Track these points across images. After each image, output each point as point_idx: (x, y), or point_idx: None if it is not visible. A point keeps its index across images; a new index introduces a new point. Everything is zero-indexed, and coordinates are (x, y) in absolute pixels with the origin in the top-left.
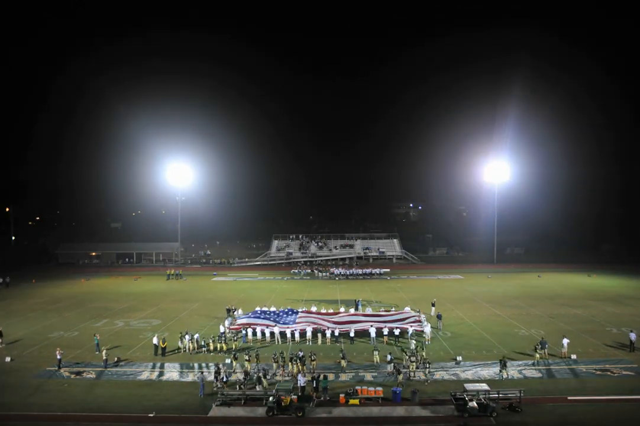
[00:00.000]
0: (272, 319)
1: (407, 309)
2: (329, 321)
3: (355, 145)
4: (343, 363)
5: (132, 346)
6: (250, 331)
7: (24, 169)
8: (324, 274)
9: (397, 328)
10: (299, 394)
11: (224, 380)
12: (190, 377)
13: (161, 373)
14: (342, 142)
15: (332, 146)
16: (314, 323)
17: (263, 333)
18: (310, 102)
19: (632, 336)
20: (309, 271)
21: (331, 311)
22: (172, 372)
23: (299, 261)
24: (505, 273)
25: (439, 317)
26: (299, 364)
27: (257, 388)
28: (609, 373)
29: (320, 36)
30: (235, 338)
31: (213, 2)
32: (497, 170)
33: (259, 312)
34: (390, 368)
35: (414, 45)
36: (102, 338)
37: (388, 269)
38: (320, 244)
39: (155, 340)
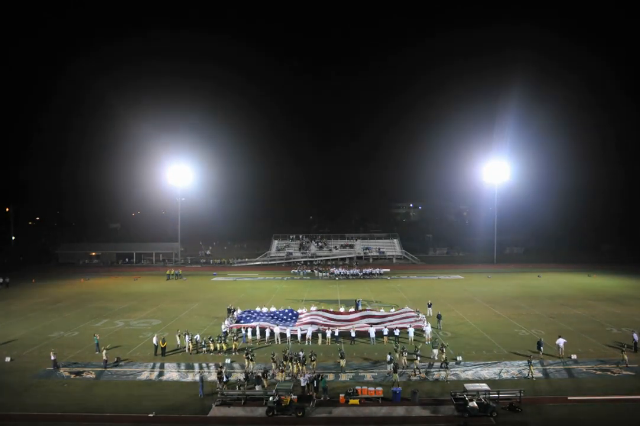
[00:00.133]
0: (269, 321)
1: (407, 308)
2: (336, 320)
3: (356, 145)
4: (342, 362)
5: (132, 346)
6: (250, 331)
7: (24, 170)
8: (324, 274)
9: (397, 328)
10: (306, 393)
11: (225, 380)
12: (190, 377)
13: (161, 373)
14: (342, 142)
15: (332, 145)
16: (318, 321)
17: (263, 333)
18: (310, 102)
19: (635, 336)
20: (309, 271)
21: (331, 310)
22: (172, 372)
23: (298, 261)
24: (505, 273)
25: (439, 317)
26: (299, 364)
27: (257, 388)
28: (609, 373)
29: (319, 36)
30: (235, 338)
31: (212, 2)
32: (497, 170)
33: (255, 313)
34: (390, 368)
35: (413, 43)
36: (102, 338)
37: (388, 269)
38: (320, 244)
39: (155, 340)
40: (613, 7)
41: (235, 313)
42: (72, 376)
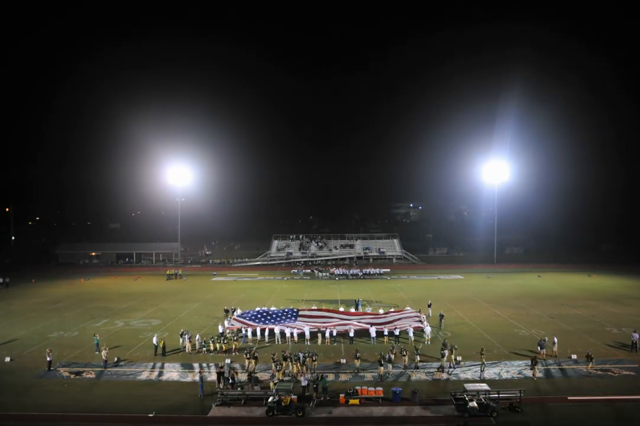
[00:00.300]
0: (270, 321)
1: (408, 309)
2: (335, 318)
3: (355, 145)
4: (357, 362)
5: (132, 346)
6: (250, 331)
7: (25, 170)
8: (324, 274)
9: (396, 328)
10: (305, 393)
11: (230, 381)
12: (190, 377)
13: (161, 373)
14: (342, 142)
15: (332, 145)
16: (318, 321)
17: (263, 333)
18: (309, 102)
19: (635, 336)
20: (309, 271)
21: (331, 310)
22: (172, 372)
23: (298, 261)
24: (505, 273)
25: (441, 317)
26: (299, 364)
27: (256, 388)
28: (609, 373)
29: (319, 36)
30: (235, 338)
31: (212, 2)
32: (497, 170)
33: (255, 313)
34: (389, 367)
35: (413, 43)
36: (102, 338)
37: (388, 269)
38: (320, 244)
39: (155, 340)
40: (613, 7)
41: (235, 313)
42: (72, 376)
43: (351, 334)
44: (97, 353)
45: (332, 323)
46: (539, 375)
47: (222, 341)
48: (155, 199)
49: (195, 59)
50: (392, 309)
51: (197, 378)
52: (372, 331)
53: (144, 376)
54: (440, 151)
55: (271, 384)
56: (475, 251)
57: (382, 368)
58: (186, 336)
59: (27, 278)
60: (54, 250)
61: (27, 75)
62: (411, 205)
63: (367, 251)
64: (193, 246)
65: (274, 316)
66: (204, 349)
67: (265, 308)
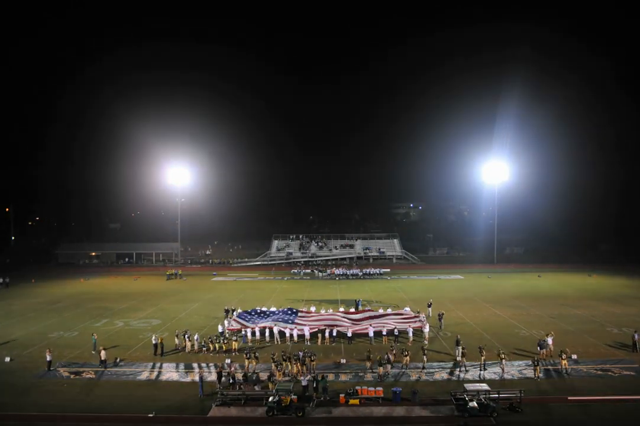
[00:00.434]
0: (269, 320)
1: (407, 309)
2: (341, 319)
3: (356, 145)
4: (368, 364)
5: (131, 346)
6: (249, 331)
7: (25, 170)
8: (324, 274)
9: (396, 328)
10: (305, 393)
11: (230, 381)
12: (190, 377)
13: (161, 373)
14: (342, 141)
15: (332, 145)
16: (320, 321)
17: (263, 333)
18: (309, 103)
19: (636, 336)
20: (309, 271)
21: (330, 311)
22: (171, 372)
23: (298, 261)
24: (505, 273)
25: (440, 316)
26: (298, 364)
27: (256, 388)
28: (609, 373)
29: (319, 36)
30: (235, 338)
31: (210, 4)
32: (496, 170)
33: (255, 312)
34: (389, 368)
35: (412, 43)
36: (102, 338)
37: (388, 269)
38: (320, 244)
39: (154, 340)
40: (613, 7)
41: (235, 313)
42: (72, 376)
43: (349, 334)
44: (93, 352)
45: (331, 325)
46: (539, 374)
47: (222, 341)
48: (155, 199)
49: (195, 59)
50: (390, 310)
51: (196, 378)
52: (371, 331)
53: (144, 376)
54: (440, 151)
55: (270, 384)
56: (475, 251)
57: (381, 368)
58: (186, 336)
59: (27, 278)
60: (54, 250)
61: (27, 75)
62: (411, 205)
63: (367, 251)
64: (193, 246)
65: (273, 315)
66: (204, 349)
67: (264, 308)
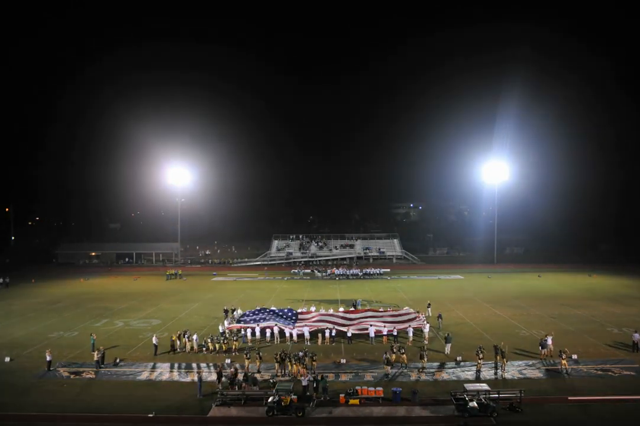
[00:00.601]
0: (271, 318)
1: (407, 308)
2: (340, 318)
3: (356, 145)
4: (388, 369)
5: (131, 346)
6: (249, 331)
7: (25, 170)
8: (323, 274)
9: (395, 328)
10: (306, 393)
11: (230, 381)
12: (189, 377)
13: (161, 373)
14: (342, 141)
15: (332, 145)
16: (318, 321)
17: (263, 333)
18: (309, 103)
19: (636, 336)
20: (309, 271)
21: (331, 311)
22: (171, 372)
23: (298, 261)
24: (505, 273)
25: (439, 317)
26: (298, 364)
27: (255, 388)
28: (609, 373)
29: (319, 36)
30: (235, 338)
31: (210, 4)
32: (496, 169)
33: (257, 311)
34: (388, 369)
35: (412, 43)
36: (102, 338)
37: (388, 269)
38: (320, 244)
39: (155, 340)
40: (613, 7)
41: (235, 313)
42: (72, 376)
43: (349, 334)
44: (92, 353)
45: (335, 324)
46: (538, 374)
47: (221, 341)
48: (155, 199)
49: (195, 59)
50: (390, 309)
51: (196, 378)
52: (371, 331)
53: (144, 376)
54: (440, 151)
55: (270, 384)
56: (475, 251)
57: (388, 367)
58: (186, 336)
59: (27, 278)
60: (54, 250)
61: (27, 75)
62: (411, 205)
63: (367, 251)
64: (193, 246)
65: (273, 315)
66: (204, 349)
67: (265, 308)
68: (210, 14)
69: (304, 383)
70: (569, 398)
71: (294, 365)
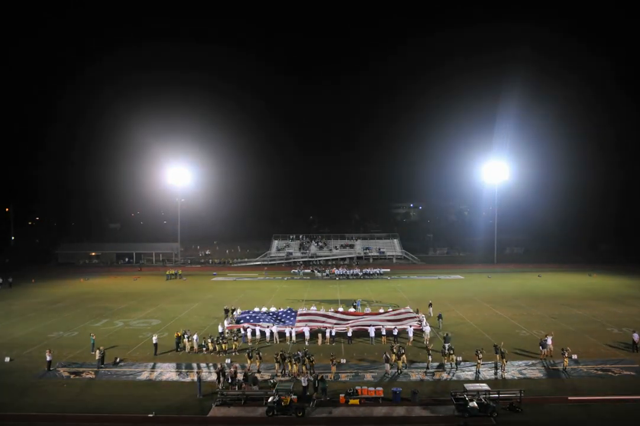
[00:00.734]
0: (269, 320)
1: (408, 308)
2: (334, 319)
3: (356, 145)
4: (400, 363)
5: (131, 346)
6: (249, 331)
7: (25, 170)
8: (323, 274)
9: (395, 328)
10: (306, 393)
11: (229, 381)
12: (190, 377)
13: (161, 373)
14: (342, 142)
15: (332, 145)
16: (316, 321)
17: (263, 333)
18: (309, 103)
19: (635, 336)
20: (309, 271)
21: (331, 310)
22: (171, 372)
23: (298, 261)
24: (506, 273)
25: (439, 317)
26: (298, 364)
27: (255, 387)
28: (609, 373)
29: (319, 36)
30: (235, 338)
31: (210, 5)
32: (497, 169)
33: (254, 313)
34: (388, 367)
35: (412, 43)
36: (102, 338)
37: (388, 269)
38: (320, 244)
39: (155, 340)
40: (613, 7)
41: (235, 312)
42: (72, 376)
43: (349, 334)
44: (92, 353)
45: (331, 324)
46: (538, 374)
47: (221, 341)
48: (155, 199)
49: (195, 59)
50: (391, 309)
51: (196, 378)
52: (371, 331)
53: (144, 376)
54: (440, 151)
55: (270, 384)
56: (476, 251)
57: (388, 366)
58: (186, 336)
59: (27, 278)
60: (54, 250)
61: (27, 75)
62: (411, 205)
63: (367, 251)
64: (193, 246)
65: (273, 316)
66: (204, 349)
67: (264, 309)
68: (210, 14)
69: (304, 383)
70: (569, 398)
71: (294, 365)
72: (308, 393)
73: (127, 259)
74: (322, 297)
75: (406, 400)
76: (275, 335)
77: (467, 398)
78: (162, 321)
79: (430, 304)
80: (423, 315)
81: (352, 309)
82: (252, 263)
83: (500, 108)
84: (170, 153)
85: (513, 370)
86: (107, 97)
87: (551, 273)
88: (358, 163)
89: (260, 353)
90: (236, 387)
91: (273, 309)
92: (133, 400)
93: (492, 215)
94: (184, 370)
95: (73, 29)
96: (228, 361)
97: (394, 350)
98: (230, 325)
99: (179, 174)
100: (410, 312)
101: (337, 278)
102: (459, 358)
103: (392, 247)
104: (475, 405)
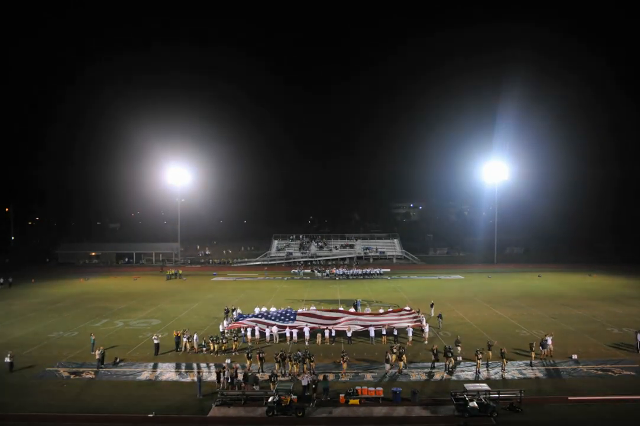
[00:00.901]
0: (270, 319)
1: (407, 308)
2: (333, 318)
3: (356, 145)
4: (400, 364)
5: (131, 346)
6: (249, 331)
7: (25, 170)
8: (323, 274)
9: (395, 327)
10: (305, 393)
11: (230, 381)
12: (190, 377)
13: (161, 373)
14: (342, 141)
15: (332, 145)
16: (316, 319)
17: (262, 333)
18: (310, 103)
19: (639, 336)
20: (309, 271)
21: (331, 309)
22: (171, 372)
23: (298, 261)
24: (506, 272)
25: (439, 317)
26: (298, 364)
27: (255, 388)
28: (609, 373)
29: (317, 36)
30: (235, 338)
31: (210, 5)
32: (497, 169)
33: (253, 315)
34: (388, 367)
35: (412, 43)
36: (102, 338)
37: (388, 269)
38: (320, 244)
39: (156, 340)
40: (613, 7)
41: (235, 312)
42: (72, 376)
43: (349, 334)
44: (92, 353)
45: (331, 323)
46: (538, 374)
47: (221, 341)
48: (155, 199)
49: (195, 60)
50: (391, 309)
51: (196, 378)
52: (371, 330)
53: (144, 376)
54: (440, 151)
55: (270, 384)
56: (476, 251)
57: (388, 366)
58: (185, 337)
59: (27, 278)
60: (54, 250)
61: (27, 75)
62: (411, 205)
63: (367, 251)
64: (193, 246)
65: (272, 317)
66: (204, 349)
67: (264, 309)
68: (210, 14)
69: (304, 383)
70: (569, 398)
71: (294, 365)
72: (308, 393)
73: (127, 259)
74: (322, 297)
75: (406, 400)
76: (275, 335)
77: (467, 398)
78: (162, 321)
79: (432, 305)
80: (423, 315)
81: (352, 310)
82: (252, 263)
83: (500, 108)
84: (170, 153)
85: (513, 370)
86: (107, 97)
87: (551, 273)
88: (358, 163)
89: (261, 354)
90: (236, 387)
91: (273, 309)
92: (133, 400)
93: (492, 215)
94: (184, 370)
95: (73, 29)
96: (228, 361)
97: (394, 350)
98: (229, 325)
99: (178, 174)
100: (410, 312)
101: (337, 278)
102: (459, 358)
103: (392, 247)
104: (475, 405)
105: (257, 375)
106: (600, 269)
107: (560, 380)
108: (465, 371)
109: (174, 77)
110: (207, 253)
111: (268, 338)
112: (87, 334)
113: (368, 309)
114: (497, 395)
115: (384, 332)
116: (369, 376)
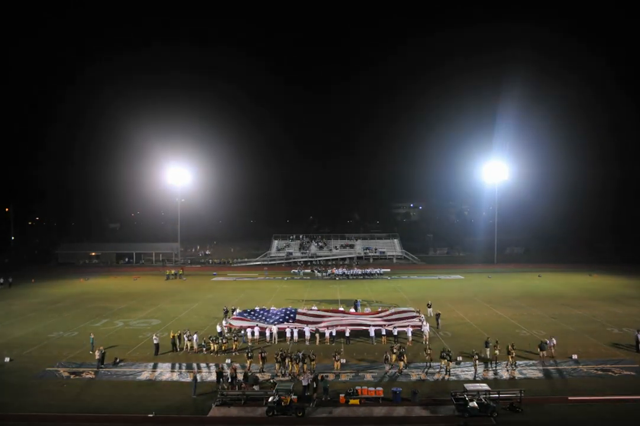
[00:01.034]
0: (266, 319)
1: (408, 308)
2: (332, 318)
3: (356, 145)
4: (401, 364)
5: (131, 346)
6: (249, 331)
7: (25, 170)
8: (323, 274)
9: (395, 328)
10: (305, 393)
11: (230, 381)
12: (190, 377)
13: (161, 373)
14: (342, 141)
15: (332, 145)
16: (305, 321)
17: (262, 333)
18: (309, 103)
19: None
20: (309, 271)
21: (331, 309)
22: (171, 372)
23: (298, 261)
24: (506, 272)
25: (437, 316)
26: (299, 364)
27: (255, 388)
28: (609, 373)
29: (317, 36)
30: (235, 338)
31: (210, 5)
32: (497, 169)
33: (254, 312)
34: (387, 367)
35: (412, 43)
36: (102, 338)
37: (388, 269)
38: (320, 244)
39: (156, 340)
40: (613, 7)
41: (234, 312)
42: (72, 376)
43: (347, 334)
44: (91, 352)
45: (331, 323)
46: (538, 374)
47: (221, 341)
48: (155, 199)
49: (194, 60)
50: (392, 309)
51: (191, 378)
52: (371, 330)
53: (144, 376)
54: (440, 151)
55: (270, 384)
56: (476, 251)
57: (388, 366)
58: (185, 337)
59: (27, 278)
60: (54, 250)
61: (27, 75)
62: (411, 205)
63: (367, 251)
64: (193, 246)
65: (272, 316)
66: (204, 349)
67: (264, 308)
68: (210, 14)
69: (304, 383)
70: (569, 398)
71: (294, 365)
72: (308, 393)
73: (127, 259)
74: (322, 297)
75: (406, 400)
76: (275, 335)
77: (467, 398)
78: (162, 321)
79: (429, 305)
80: (422, 316)
81: (352, 310)
82: (252, 263)
83: (500, 108)
84: (170, 153)
85: (513, 369)
86: (107, 97)
87: (551, 273)
88: (358, 163)
89: (263, 353)
90: (236, 387)
91: (273, 309)
92: (133, 400)
93: (492, 215)
94: (184, 370)
95: (73, 29)
96: (228, 361)
97: (394, 350)
98: (227, 324)
99: (178, 174)
100: (410, 311)
101: (337, 278)
102: (460, 358)
103: (392, 247)
104: (475, 405)
105: (258, 374)
106: (600, 269)
107: (560, 380)
108: (466, 372)
109: (174, 77)
110: (207, 253)
111: (268, 338)
112: (87, 335)
113: (368, 309)
114: (497, 395)
115: (384, 332)
116: (369, 376)
